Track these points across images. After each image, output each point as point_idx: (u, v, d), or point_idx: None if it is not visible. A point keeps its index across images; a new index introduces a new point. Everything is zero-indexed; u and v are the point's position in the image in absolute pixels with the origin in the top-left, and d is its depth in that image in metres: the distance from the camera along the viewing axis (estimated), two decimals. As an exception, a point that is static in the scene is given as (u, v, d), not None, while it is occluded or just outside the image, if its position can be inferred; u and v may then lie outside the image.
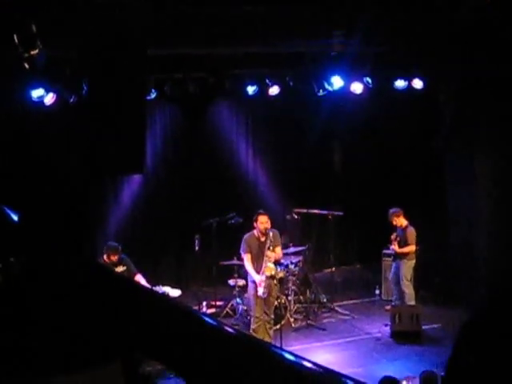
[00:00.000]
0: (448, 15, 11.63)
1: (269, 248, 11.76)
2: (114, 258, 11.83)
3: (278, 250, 12.05)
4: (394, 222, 13.45)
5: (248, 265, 11.86)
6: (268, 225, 11.87)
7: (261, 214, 11.93)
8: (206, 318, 2.35)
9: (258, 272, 11.75)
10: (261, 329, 11.77)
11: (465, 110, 13.80)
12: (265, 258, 11.75)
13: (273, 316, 12.13)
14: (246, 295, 12.68)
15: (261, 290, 11.68)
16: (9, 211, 2.60)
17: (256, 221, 11.87)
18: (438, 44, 12.65)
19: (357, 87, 13.74)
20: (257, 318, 11.87)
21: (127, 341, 2.30)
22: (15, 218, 2.54)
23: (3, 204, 2.66)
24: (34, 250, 2.39)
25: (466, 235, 14.24)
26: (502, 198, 13.60)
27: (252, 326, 11.87)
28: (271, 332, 12.00)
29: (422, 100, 14.40)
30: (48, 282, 2.32)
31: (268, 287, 11.75)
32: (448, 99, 14.07)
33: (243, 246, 11.95)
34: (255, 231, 11.95)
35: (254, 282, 11.83)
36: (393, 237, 13.46)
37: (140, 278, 11.64)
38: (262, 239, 11.87)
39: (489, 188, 13.80)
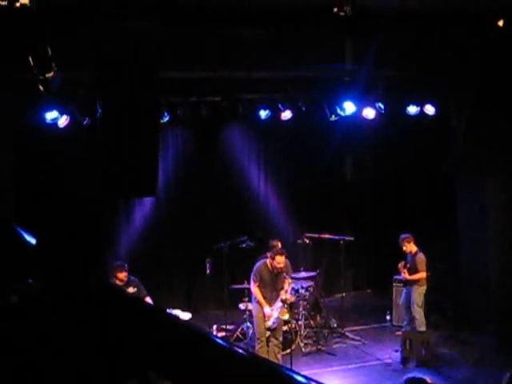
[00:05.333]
0: (460, 40, 11.68)
1: (282, 288, 11.84)
2: (122, 276, 11.86)
3: (288, 282, 12.07)
4: (404, 248, 13.39)
5: (256, 291, 11.91)
6: (283, 265, 11.86)
7: (279, 254, 11.86)
8: (220, 341, 2.37)
9: (268, 301, 11.79)
10: (264, 350, 11.76)
11: (476, 135, 13.79)
12: (279, 298, 11.82)
13: (281, 339, 12.11)
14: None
15: (269, 323, 11.73)
16: (25, 233, 2.62)
17: (273, 259, 11.82)
18: (449, 69, 12.70)
19: (369, 112, 13.79)
20: (258, 339, 11.88)
21: (142, 361, 2.32)
22: (31, 239, 2.56)
23: (19, 226, 2.68)
24: (50, 271, 2.42)
25: (477, 260, 14.19)
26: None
27: (256, 347, 11.89)
28: (279, 356, 11.98)
29: (433, 125, 14.42)
30: (64, 303, 2.34)
31: (278, 322, 11.80)
32: (459, 124, 14.08)
33: (254, 273, 11.97)
34: (268, 261, 11.93)
35: (257, 303, 11.88)
36: (400, 265, 13.39)
37: (149, 301, 11.64)
38: (275, 271, 11.88)
39: (501, 212, 13.76)
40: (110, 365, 2.34)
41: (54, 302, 2.35)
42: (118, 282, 11.85)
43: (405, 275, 13.33)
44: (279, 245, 12.87)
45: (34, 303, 2.36)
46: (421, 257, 13.25)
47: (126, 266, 12.07)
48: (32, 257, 2.48)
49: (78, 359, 2.32)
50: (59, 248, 2.48)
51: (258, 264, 12.03)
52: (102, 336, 2.31)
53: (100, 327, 2.31)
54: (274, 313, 11.77)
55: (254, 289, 11.93)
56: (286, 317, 11.92)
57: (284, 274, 11.86)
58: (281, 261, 11.77)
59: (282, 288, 11.93)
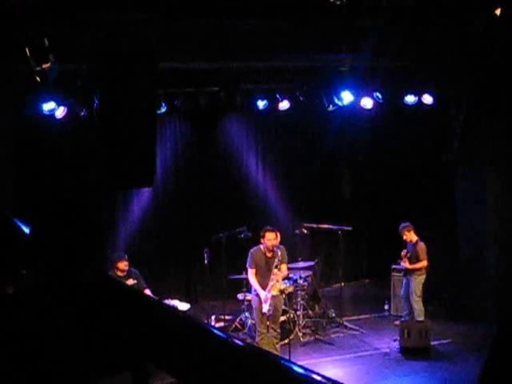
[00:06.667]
0: (458, 30, 11.66)
1: (276, 267, 11.77)
2: (123, 265, 11.91)
3: (284, 267, 12.06)
4: (405, 237, 13.41)
5: (252, 279, 11.89)
6: (275, 242, 11.87)
7: (268, 230, 11.90)
8: (217, 332, 2.36)
9: (263, 288, 11.78)
10: (264, 342, 11.76)
11: (476, 125, 13.79)
12: (272, 277, 11.76)
13: (279, 331, 12.11)
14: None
15: (265, 307, 11.69)
16: (20, 223, 2.62)
17: (263, 237, 11.85)
18: (447, 59, 12.68)
19: (367, 102, 13.78)
20: (259, 331, 11.88)
21: (138, 352, 2.32)
22: (26, 230, 2.55)
23: (15, 216, 2.68)
24: (45, 262, 2.41)
25: (476, 251, 14.20)
26: (512, 213, 13.58)
27: (256, 339, 11.90)
28: (278, 346, 11.98)
29: (432, 115, 14.41)
30: (60, 293, 2.33)
31: (273, 305, 11.76)
32: (458, 114, 14.07)
33: (249, 260, 11.96)
34: (262, 246, 11.94)
35: (257, 295, 11.87)
36: (403, 253, 13.41)
37: (148, 293, 11.65)
38: (269, 255, 11.88)
39: (500, 202, 13.76)
40: (105, 355, 2.34)
41: (50, 292, 2.35)
42: (118, 272, 11.89)
43: (405, 264, 13.35)
44: (278, 235, 12.88)
45: (29, 293, 2.36)
46: (422, 246, 13.26)
47: (126, 256, 12.12)
48: (28, 248, 2.48)
49: (72, 349, 2.32)
50: (55, 239, 2.48)
51: (252, 250, 12.02)
52: (97, 327, 2.31)
53: (96, 318, 2.31)
54: (269, 294, 11.74)
55: (251, 276, 11.92)
56: (277, 290, 11.80)
57: (278, 259, 11.79)
58: (271, 237, 11.77)
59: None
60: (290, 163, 16.59)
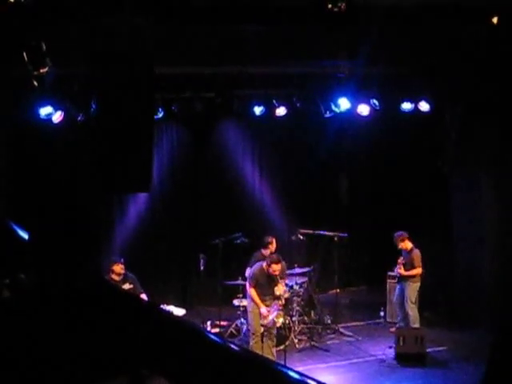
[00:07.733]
0: (454, 37, 11.68)
1: (282, 298, 11.95)
2: (119, 269, 11.88)
3: (282, 284, 12.07)
4: (400, 246, 13.44)
5: (254, 294, 11.85)
6: (279, 273, 11.85)
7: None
8: (213, 337, 2.37)
9: (263, 300, 11.80)
10: (258, 346, 11.74)
11: (471, 131, 13.81)
12: (274, 306, 11.81)
13: (275, 332, 12.09)
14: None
15: (265, 321, 11.70)
16: (17, 228, 2.62)
17: (269, 266, 11.77)
18: (444, 66, 12.71)
19: (363, 109, 13.80)
20: (253, 334, 11.87)
21: (134, 357, 2.32)
22: (24, 234, 2.55)
23: (12, 220, 2.68)
24: (43, 266, 2.41)
25: (471, 257, 14.20)
26: (508, 219, 13.57)
27: (250, 343, 11.87)
28: (274, 350, 11.95)
29: (428, 122, 14.43)
30: (57, 298, 2.34)
31: (273, 323, 11.83)
32: (454, 120, 14.09)
33: (251, 278, 11.94)
34: (264, 264, 11.89)
35: (253, 299, 11.87)
36: (400, 260, 13.44)
37: (144, 298, 11.63)
38: (271, 276, 11.88)
39: (495, 209, 13.78)
40: (101, 360, 2.34)
41: (47, 297, 2.35)
42: (114, 276, 11.86)
43: (400, 271, 13.37)
44: (274, 242, 12.87)
45: (26, 298, 2.36)
46: (417, 253, 13.29)
47: (122, 259, 12.09)
48: (25, 252, 2.48)
49: (68, 354, 2.32)
50: (52, 243, 2.48)
51: (254, 268, 11.99)
52: (94, 331, 2.31)
53: (92, 323, 2.31)
54: (270, 316, 11.74)
55: (251, 290, 11.91)
56: (281, 320, 11.94)
57: (278, 279, 11.87)
58: (277, 269, 11.75)
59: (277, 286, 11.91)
60: (287, 169, 16.59)
